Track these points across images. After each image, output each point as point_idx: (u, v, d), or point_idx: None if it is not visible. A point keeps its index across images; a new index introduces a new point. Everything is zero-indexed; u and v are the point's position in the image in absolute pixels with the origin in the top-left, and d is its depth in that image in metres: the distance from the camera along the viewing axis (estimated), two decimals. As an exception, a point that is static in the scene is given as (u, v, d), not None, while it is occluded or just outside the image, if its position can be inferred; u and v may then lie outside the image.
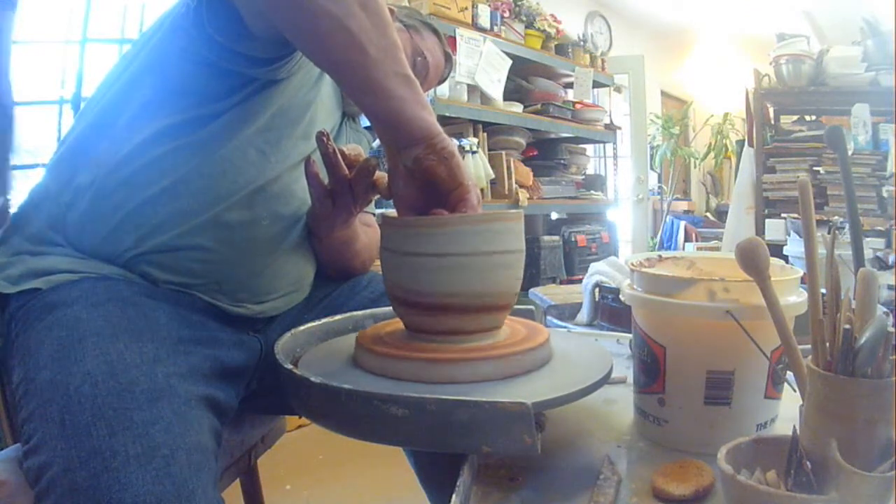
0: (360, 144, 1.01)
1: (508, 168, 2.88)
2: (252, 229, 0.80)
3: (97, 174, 0.77)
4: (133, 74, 0.80)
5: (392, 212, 0.70)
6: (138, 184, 0.76)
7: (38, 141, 2.44)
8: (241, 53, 0.73)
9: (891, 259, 2.06)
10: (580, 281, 1.60)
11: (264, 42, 0.73)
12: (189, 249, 0.77)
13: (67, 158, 0.81)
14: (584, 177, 3.72)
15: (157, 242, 0.76)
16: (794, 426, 0.47)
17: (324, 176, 0.81)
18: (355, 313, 0.84)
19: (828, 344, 0.47)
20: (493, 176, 2.78)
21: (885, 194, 3.11)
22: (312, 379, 0.58)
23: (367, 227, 0.99)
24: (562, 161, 3.50)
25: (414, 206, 0.66)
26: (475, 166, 2.66)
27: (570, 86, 3.57)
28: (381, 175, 0.78)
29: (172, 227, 0.76)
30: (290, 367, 0.63)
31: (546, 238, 3.29)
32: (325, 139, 0.77)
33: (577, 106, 3.44)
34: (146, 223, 0.76)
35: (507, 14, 3.02)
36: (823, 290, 0.50)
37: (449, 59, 1.12)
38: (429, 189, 0.64)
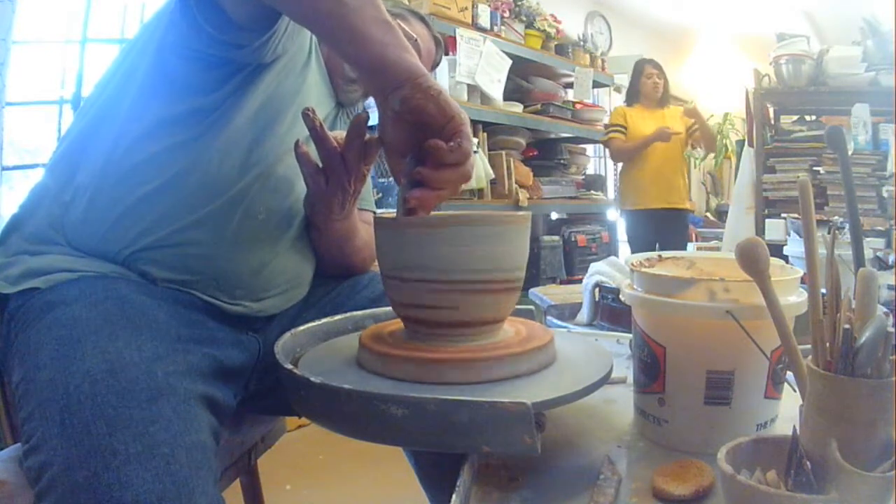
0: None
1: (508, 168, 2.88)
2: (249, 224, 0.81)
3: (95, 172, 0.77)
4: (127, 73, 0.81)
5: (391, 213, 0.69)
6: (135, 181, 0.76)
7: (39, 141, 2.44)
8: (228, 42, 0.74)
9: (891, 259, 2.06)
10: (580, 281, 1.60)
11: (248, 30, 0.73)
12: (186, 245, 0.77)
13: (67, 157, 0.82)
14: (584, 177, 3.72)
15: (155, 239, 0.76)
16: (794, 426, 0.47)
17: (314, 157, 0.81)
18: (355, 313, 0.84)
19: (828, 344, 0.47)
20: (493, 176, 2.78)
21: (885, 194, 3.11)
22: (312, 379, 0.58)
23: (367, 224, 0.98)
24: (562, 161, 3.50)
25: (404, 151, 0.65)
26: (475, 166, 2.66)
27: (570, 86, 3.57)
28: (372, 136, 0.77)
29: (170, 223, 0.77)
30: (289, 366, 0.63)
31: (546, 238, 3.30)
32: (310, 114, 0.76)
33: (577, 106, 3.44)
34: (143, 219, 0.76)
35: (507, 14, 3.02)
36: (823, 290, 0.50)
37: (440, 45, 1.12)
38: (418, 132, 0.63)
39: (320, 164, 0.81)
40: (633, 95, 3.53)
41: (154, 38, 0.79)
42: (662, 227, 3.43)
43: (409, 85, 0.62)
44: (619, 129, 3.45)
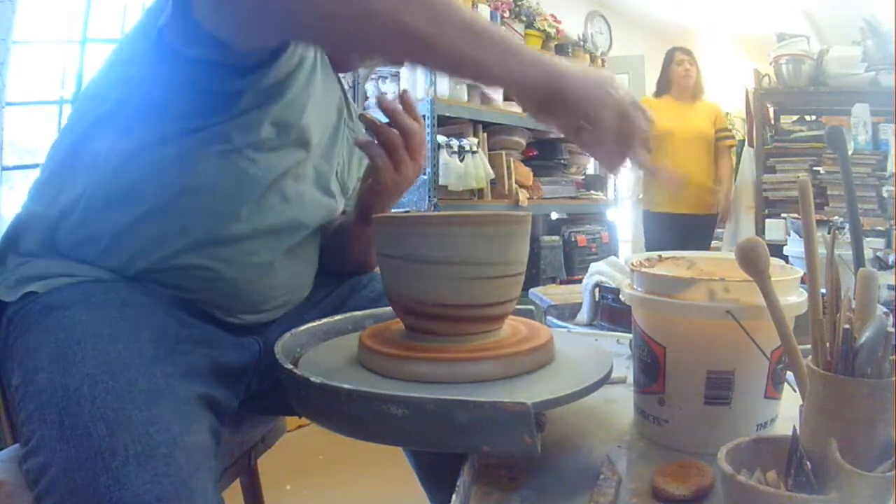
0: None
1: (508, 168, 2.88)
2: (247, 245, 0.79)
3: (82, 195, 0.75)
4: (117, 88, 0.77)
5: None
6: (123, 204, 0.74)
7: (38, 141, 2.44)
8: (221, 64, 0.70)
9: (891, 259, 2.06)
10: (580, 281, 1.60)
11: (245, 54, 0.70)
12: (182, 269, 0.76)
13: (54, 176, 0.79)
14: (584, 177, 3.72)
15: (149, 262, 0.75)
16: (794, 426, 0.47)
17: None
18: (355, 313, 0.84)
19: (828, 344, 0.47)
20: (493, 176, 2.78)
21: (885, 194, 3.11)
22: (312, 379, 0.58)
23: None
24: (562, 161, 3.50)
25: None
26: (475, 166, 2.67)
27: (570, 86, 3.56)
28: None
29: (162, 247, 0.75)
30: (289, 366, 0.63)
31: (546, 238, 3.30)
32: (366, 115, 0.85)
33: (578, 106, 3.43)
34: (135, 244, 0.75)
35: (507, 14, 3.02)
36: (823, 290, 0.50)
37: None
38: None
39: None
40: (664, 85, 3.32)
41: (142, 60, 0.74)
42: (685, 234, 3.19)
43: (521, 97, 0.64)
44: None
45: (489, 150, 2.87)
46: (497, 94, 2.82)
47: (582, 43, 3.65)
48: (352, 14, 0.59)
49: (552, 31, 3.26)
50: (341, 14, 0.59)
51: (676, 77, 3.28)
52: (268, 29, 0.65)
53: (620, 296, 0.70)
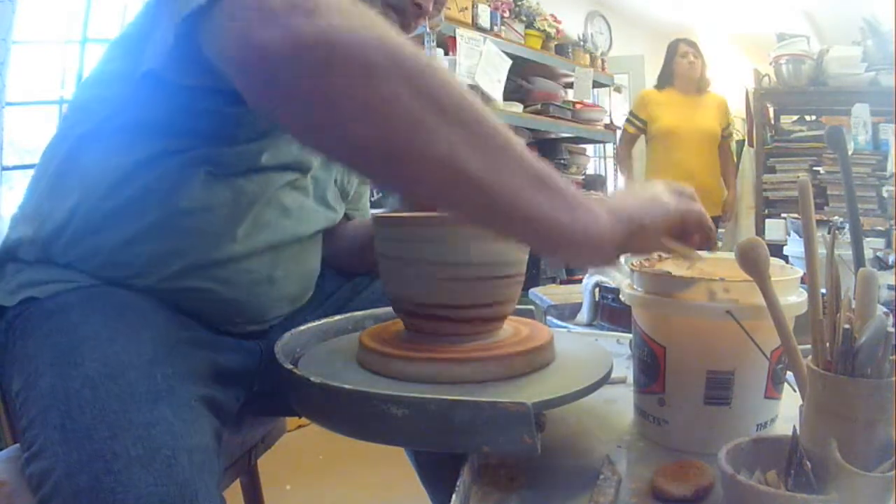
0: None
1: (508, 168, 2.88)
2: (245, 263, 0.77)
3: (72, 216, 0.74)
4: (103, 109, 0.74)
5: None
6: (113, 226, 0.73)
7: (38, 141, 2.44)
8: (222, 90, 0.64)
9: (891, 259, 2.06)
10: (580, 281, 1.60)
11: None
12: (180, 291, 0.75)
13: (44, 192, 0.78)
14: (584, 177, 3.72)
15: (145, 284, 0.74)
16: (794, 426, 0.47)
17: None
18: (355, 313, 0.84)
19: (828, 344, 0.47)
20: (493, 176, 2.77)
21: (885, 194, 3.12)
22: (312, 379, 0.58)
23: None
24: (562, 161, 3.49)
25: None
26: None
27: (570, 86, 3.57)
28: None
29: (158, 270, 0.74)
30: (290, 367, 0.63)
31: (546, 238, 3.29)
32: None
33: (577, 106, 3.44)
34: (128, 268, 0.74)
35: (507, 14, 3.02)
36: (823, 290, 0.50)
37: None
38: None
39: None
40: (667, 78, 3.23)
41: (134, 79, 0.68)
42: None
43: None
44: (633, 120, 3.18)
45: (489, 150, 2.87)
46: (497, 94, 2.81)
47: (582, 43, 3.65)
48: (384, 145, 0.47)
49: (552, 31, 3.27)
50: (385, 148, 0.47)
51: (681, 70, 3.19)
52: (281, 119, 0.52)
53: (620, 296, 0.70)
